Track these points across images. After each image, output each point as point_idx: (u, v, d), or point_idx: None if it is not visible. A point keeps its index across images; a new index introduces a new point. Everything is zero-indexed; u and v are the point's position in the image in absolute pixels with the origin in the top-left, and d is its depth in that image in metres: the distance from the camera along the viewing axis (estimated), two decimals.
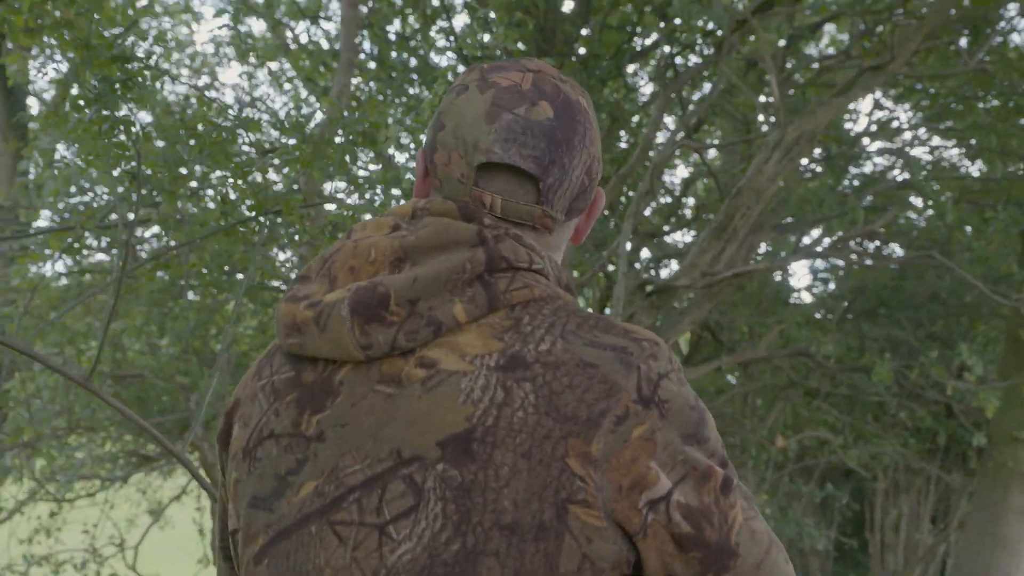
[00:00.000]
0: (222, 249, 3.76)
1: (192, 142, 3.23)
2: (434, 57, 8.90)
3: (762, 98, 7.01)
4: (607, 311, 8.88)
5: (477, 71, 1.24)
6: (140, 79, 3.39)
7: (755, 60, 6.60)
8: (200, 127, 3.34)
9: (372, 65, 8.55)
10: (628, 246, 6.20)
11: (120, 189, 3.51)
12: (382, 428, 1.08)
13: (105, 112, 3.16)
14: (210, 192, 3.80)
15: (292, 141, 3.99)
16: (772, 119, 5.91)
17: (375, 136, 4.22)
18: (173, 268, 3.62)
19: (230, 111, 3.49)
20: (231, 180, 3.47)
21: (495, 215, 1.19)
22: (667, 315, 6.72)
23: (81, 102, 3.21)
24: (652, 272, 8.43)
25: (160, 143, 3.67)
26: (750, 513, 1.09)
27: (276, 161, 3.67)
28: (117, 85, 3.35)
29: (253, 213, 3.55)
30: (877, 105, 8.98)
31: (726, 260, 6.44)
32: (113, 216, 5.06)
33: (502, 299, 1.12)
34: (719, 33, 6.82)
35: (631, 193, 8.05)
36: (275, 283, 9.34)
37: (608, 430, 1.03)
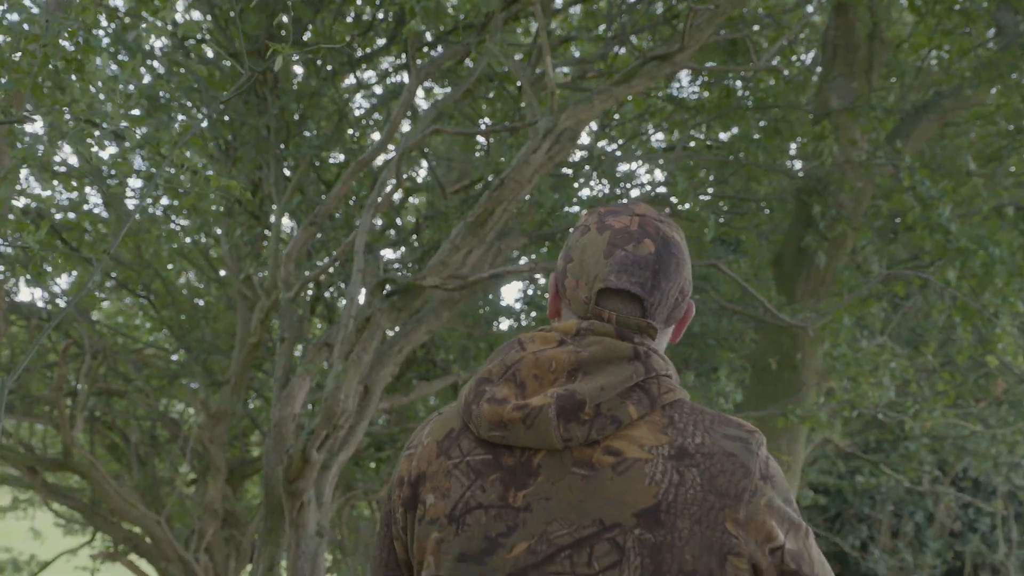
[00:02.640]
0: None
1: None
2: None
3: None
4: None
5: (596, 215, 1.71)
6: None
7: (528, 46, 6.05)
8: None
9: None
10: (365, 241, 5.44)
11: None
12: (583, 502, 1.52)
13: None
14: None
15: None
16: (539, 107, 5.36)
17: (84, 65, 3.27)
18: None
19: None
20: None
21: (611, 325, 1.63)
22: (403, 321, 5.97)
23: None
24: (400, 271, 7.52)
25: None
26: (818, 550, 1.59)
27: None
28: None
29: None
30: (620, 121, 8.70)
31: (472, 263, 5.82)
32: None
33: (658, 400, 1.58)
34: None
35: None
36: None
37: (747, 501, 1.52)
